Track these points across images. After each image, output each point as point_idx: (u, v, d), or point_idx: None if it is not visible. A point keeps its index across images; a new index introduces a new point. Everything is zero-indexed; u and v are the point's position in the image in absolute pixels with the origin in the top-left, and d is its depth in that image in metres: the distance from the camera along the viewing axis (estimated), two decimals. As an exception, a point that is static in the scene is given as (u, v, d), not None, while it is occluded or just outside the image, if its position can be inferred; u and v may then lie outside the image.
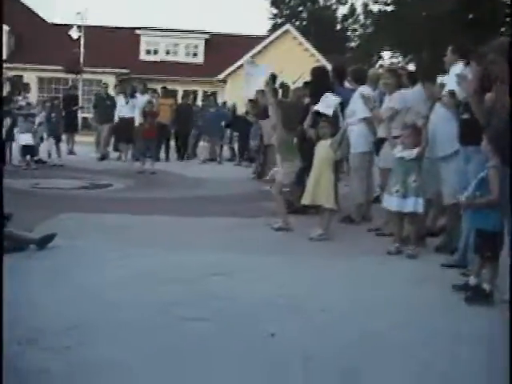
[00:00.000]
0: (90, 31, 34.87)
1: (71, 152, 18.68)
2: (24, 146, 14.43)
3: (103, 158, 17.77)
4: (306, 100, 9.45)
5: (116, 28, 41.19)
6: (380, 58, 46.44)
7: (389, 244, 7.10)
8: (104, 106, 18.55)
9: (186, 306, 4.89)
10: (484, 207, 5.28)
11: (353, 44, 53.76)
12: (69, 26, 34.69)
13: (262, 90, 9.69)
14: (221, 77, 37.22)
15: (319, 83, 8.96)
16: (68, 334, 4.14)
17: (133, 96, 17.57)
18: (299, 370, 3.80)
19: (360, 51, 45.18)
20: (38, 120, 15.58)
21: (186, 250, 6.73)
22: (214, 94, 29.86)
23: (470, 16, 34.14)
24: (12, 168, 13.46)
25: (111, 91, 20.35)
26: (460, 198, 5.46)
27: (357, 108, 8.54)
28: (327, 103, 8.02)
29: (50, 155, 16.41)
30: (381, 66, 40.43)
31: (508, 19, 35.49)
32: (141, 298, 5.04)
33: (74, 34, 34.44)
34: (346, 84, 9.56)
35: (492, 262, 5.29)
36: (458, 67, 6.69)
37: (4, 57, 35.40)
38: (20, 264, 5.67)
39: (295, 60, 31.19)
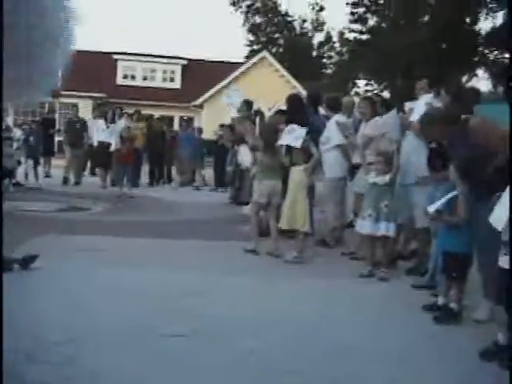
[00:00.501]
0: (68, 55, 34.97)
1: (47, 175, 18.75)
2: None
3: (77, 183, 17.48)
4: (282, 127, 9.65)
5: (93, 52, 41.29)
6: (355, 85, 47.00)
7: (361, 267, 7.32)
8: (74, 129, 18.17)
9: (163, 322, 5.08)
10: (451, 225, 5.54)
11: (329, 71, 54.26)
12: (46, 50, 34.68)
13: (239, 117, 9.95)
14: (197, 102, 37.45)
15: (294, 110, 9.18)
16: (55, 349, 4.32)
17: (113, 121, 17.36)
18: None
19: (336, 78, 45.68)
20: (15, 143, 15.68)
21: (163, 271, 6.92)
22: (190, 119, 30.04)
23: (444, 45, 34.83)
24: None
25: (86, 115, 20.34)
26: (429, 209, 5.67)
27: (331, 135, 8.78)
28: (294, 135, 8.19)
29: (26, 178, 16.53)
30: (356, 93, 41.03)
31: (481, 48, 36.29)
32: (121, 314, 5.22)
33: (52, 57, 34.49)
34: (321, 111, 9.80)
35: (459, 283, 5.53)
36: (427, 97, 6.97)
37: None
38: (6, 283, 5.83)
39: (271, 86, 31.51)
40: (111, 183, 16.80)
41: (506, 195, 4.38)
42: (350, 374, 4.25)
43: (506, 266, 4.33)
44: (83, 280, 6.30)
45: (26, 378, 3.79)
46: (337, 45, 52.76)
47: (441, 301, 5.66)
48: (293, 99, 9.53)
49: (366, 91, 41.17)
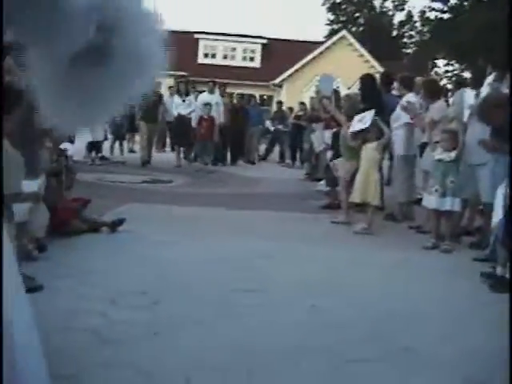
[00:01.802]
0: (151, 34, 35.81)
1: (132, 150, 19.53)
2: (90, 142, 15.38)
3: (146, 162, 16.29)
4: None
5: (176, 31, 42.04)
6: (435, 65, 46.40)
7: (426, 240, 7.67)
8: (148, 102, 16.15)
9: (234, 280, 5.58)
10: None
11: (409, 50, 53.67)
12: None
13: (328, 97, 10.42)
14: (277, 81, 37.79)
15: (368, 90, 9.53)
16: (145, 295, 4.95)
17: (187, 94, 17.02)
18: (334, 335, 4.44)
19: (416, 58, 45.19)
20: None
21: (236, 237, 7.43)
22: (270, 97, 30.36)
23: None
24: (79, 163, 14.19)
25: (164, 91, 20.62)
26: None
27: (402, 113, 9.10)
28: (361, 119, 8.54)
29: (112, 153, 17.36)
30: (436, 73, 40.57)
31: None
32: (195, 272, 5.80)
33: (136, 36, 35.44)
34: (393, 91, 10.11)
35: (516, 253, 5.80)
36: (489, 79, 7.22)
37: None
38: (97, 242, 6.57)
39: (350, 66, 31.60)
40: (193, 158, 17.14)
41: None
42: (403, 331, 4.59)
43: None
44: (162, 243, 6.82)
45: (111, 318, 4.38)
46: (418, 24, 52.07)
47: (499, 271, 5.93)
48: (366, 79, 9.88)
49: (446, 71, 40.77)
